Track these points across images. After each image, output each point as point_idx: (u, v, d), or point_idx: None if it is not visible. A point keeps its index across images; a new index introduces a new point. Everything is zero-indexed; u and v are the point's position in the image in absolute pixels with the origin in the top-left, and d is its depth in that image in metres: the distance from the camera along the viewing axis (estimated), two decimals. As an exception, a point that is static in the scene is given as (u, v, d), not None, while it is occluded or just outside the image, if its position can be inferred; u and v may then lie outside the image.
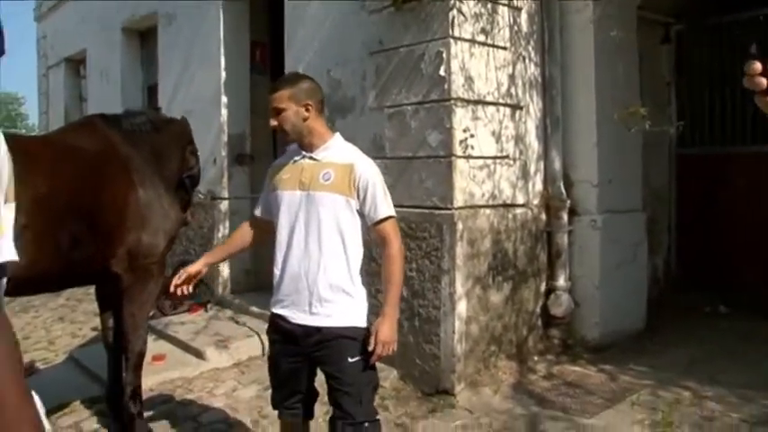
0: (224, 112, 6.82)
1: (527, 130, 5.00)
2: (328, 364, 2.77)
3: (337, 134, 2.90)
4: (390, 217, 2.76)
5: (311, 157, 2.82)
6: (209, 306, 6.64)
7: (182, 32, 7.42)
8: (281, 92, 2.77)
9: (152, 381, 4.87)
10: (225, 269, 6.85)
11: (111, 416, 4.06)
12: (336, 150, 2.82)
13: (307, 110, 2.76)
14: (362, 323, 2.79)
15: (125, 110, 4.40)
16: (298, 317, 2.80)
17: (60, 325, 7.04)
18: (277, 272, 2.89)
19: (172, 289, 3.09)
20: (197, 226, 7.14)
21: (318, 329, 2.75)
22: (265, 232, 3.07)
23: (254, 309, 6.15)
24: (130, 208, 3.77)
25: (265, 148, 7.11)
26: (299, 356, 2.84)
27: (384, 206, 2.74)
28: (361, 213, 2.75)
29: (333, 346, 2.74)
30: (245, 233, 3.16)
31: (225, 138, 6.85)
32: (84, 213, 3.53)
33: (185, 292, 3.12)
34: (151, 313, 6.75)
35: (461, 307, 4.36)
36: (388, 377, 4.52)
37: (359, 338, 2.74)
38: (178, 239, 7.39)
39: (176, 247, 7.51)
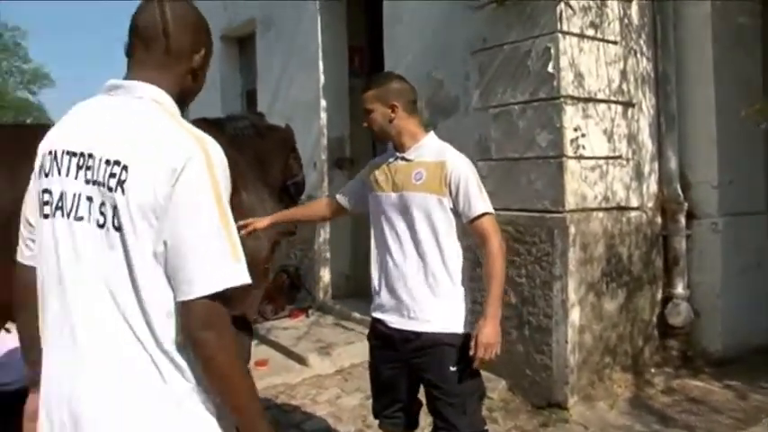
0: (323, 116, 6.80)
1: (640, 129, 4.72)
2: (429, 371, 2.65)
3: (431, 133, 2.79)
4: (487, 213, 2.61)
5: (403, 158, 2.74)
6: (310, 312, 6.63)
7: (280, 38, 7.46)
8: (368, 93, 2.72)
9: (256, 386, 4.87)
10: (326, 274, 6.83)
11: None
12: (428, 149, 2.71)
13: (393, 111, 2.68)
14: (464, 329, 2.64)
15: (227, 114, 4.40)
16: (396, 321, 2.71)
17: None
18: (375, 276, 2.83)
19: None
20: (298, 230, 7.16)
21: (417, 335, 2.64)
22: (337, 214, 3.19)
23: (356, 314, 6.09)
24: (235, 213, 3.74)
25: (365, 151, 7.04)
26: (397, 362, 2.74)
27: (479, 202, 2.60)
28: (456, 212, 2.62)
29: (433, 353, 2.62)
30: (321, 206, 3.34)
31: (324, 142, 6.83)
32: None
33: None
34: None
35: (574, 315, 4.14)
36: (496, 387, 4.34)
37: (461, 345, 2.59)
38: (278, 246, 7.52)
39: (278, 252, 7.60)
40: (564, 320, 4.12)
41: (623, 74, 4.55)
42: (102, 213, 1.34)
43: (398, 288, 2.69)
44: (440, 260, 2.64)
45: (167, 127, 1.39)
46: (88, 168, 1.37)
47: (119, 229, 1.32)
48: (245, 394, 1.36)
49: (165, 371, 1.35)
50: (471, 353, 2.51)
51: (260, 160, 4.05)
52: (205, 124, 4.28)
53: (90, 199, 1.36)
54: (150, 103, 1.42)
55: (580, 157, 4.22)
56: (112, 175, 1.33)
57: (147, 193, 1.30)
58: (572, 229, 4.13)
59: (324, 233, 6.83)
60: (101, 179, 1.35)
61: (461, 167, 2.62)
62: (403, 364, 2.72)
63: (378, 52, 5.89)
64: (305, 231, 7.03)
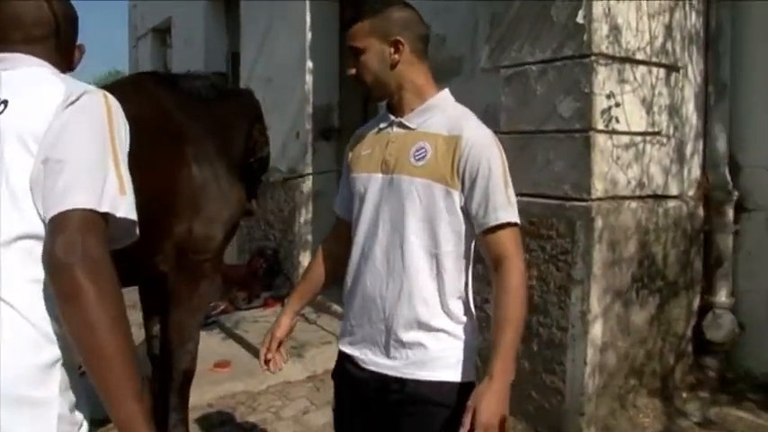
0: (308, 79, 5.95)
1: (684, 99, 3.85)
2: None
3: (445, 91, 1.89)
4: (510, 224, 1.72)
5: (401, 124, 1.84)
6: (286, 301, 5.83)
7: (266, -5, 6.60)
8: (359, 24, 1.82)
9: (212, 394, 4.19)
10: (306, 259, 5.97)
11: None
12: (440, 114, 1.82)
13: (396, 49, 1.79)
14: (467, 376, 1.78)
15: (186, 71, 3.61)
16: (370, 360, 1.85)
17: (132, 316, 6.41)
18: (346, 288, 1.94)
19: (262, 362, 2.10)
20: (277, 209, 6.36)
21: (400, 383, 1.78)
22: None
23: (336, 308, 5.26)
24: (180, 191, 2.95)
25: (357, 122, 6.19)
26: (371, 418, 1.87)
27: (503, 206, 1.71)
28: (467, 212, 1.75)
29: (420, 413, 1.76)
30: (324, 258, 2.13)
31: (309, 109, 5.99)
32: None
33: (280, 367, 2.10)
34: (222, 306, 6.14)
35: (596, 330, 3.31)
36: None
37: (456, 404, 1.70)
38: (255, 224, 6.72)
39: (255, 232, 6.80)
40: (583, 336, 3.29)
41: (668, 30, 3.66)
42: None
43: (374, 312, 1.83)
44: (435, 281, 1.77)
45: (62, 76, 1.38)
46: None
47: None
48: (114, 359, 1.11)
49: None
50: (463, 430, 1.57)
51: (219, 127, 3.27)
52: (152, 79, 3.47)
53: None
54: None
55: (612, 132, 3.36)
56: None
57: (30, 119, 1.23)
58: (599, 222, 3.29)
59: (305, 213, 6.01)
60: None
61: (485, 149, 1.74)
62: (378, 419, 1.86)
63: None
64: (284, 210, 6.23)
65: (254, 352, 4.75)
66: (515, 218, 1.73)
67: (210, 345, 4.86)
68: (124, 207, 1.25)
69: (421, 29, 1.87)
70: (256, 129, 3.66)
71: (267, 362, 2.07)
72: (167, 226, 2.93)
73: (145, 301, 3.42)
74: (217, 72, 3.97)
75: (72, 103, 1.26)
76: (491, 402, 1.57)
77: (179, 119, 3.09)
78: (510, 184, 1.74)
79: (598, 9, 3.27)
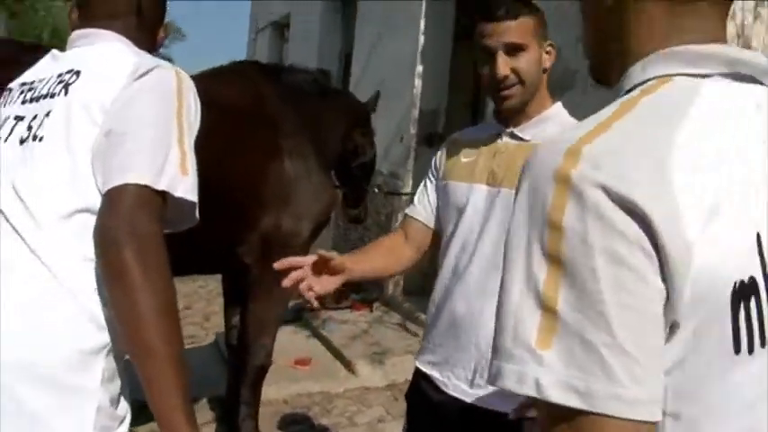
0: (417, 83, 5.87)
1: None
2: None
3: (558, 104, 1.76)
4: None
5: (513, 134, 1.69)
6: (375, 306, 5.76)
7: (383, -4, 6.55)
8: (522, 19, 1.62)
9: (289, 391, 4.18)
10: (398, 265, 5.91)
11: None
12: (556, 126, 1.66)
13: (549, 55, 1.71)
14: None
15: (289, 64, 3.61)
16: (454, 385, 1.68)
17: (221, 300, 6.49)
18: (433, 304, 1.79)
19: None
20: (374, 212, 6.29)
21: (484, 414, 1.62)
22: (422, 250, 1.89)
23: (423, 317, 5.14)
24: (270, 182, 2.92)
25: (463, 128, 6.06)
26: None
27: None
28: None
29: None
30: (394, 248, 1.91)
31: (416, 113, 5.91)
32: (208, 182, 2.72)
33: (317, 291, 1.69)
34: (315, 304, 6.10)
35: None
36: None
37: None
38: (353, 226, 6.67)
39: (351, 233, 6.75)
40: None
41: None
42: (29, 128, 1.22)
43: (465, 336, 1.66)
44: None
45: (136, 50, 1.33)
46: (30, 90, 1.30)
47: (40, 139, 1.19)
48: (157, 347, 1.04)
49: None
50: None
51: (317, 123, 3.23)
52: (256, 67, 3.46)
53: (19, 118, 1.26)
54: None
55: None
56: (60, 83, 1.24)
57: (98, 89, 1.20)
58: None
59: (401, 215, 5.90)
60: (43, 93, 1.25)
61: None
62: None
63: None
64: (381, 214, 6.15)
65: (335, 354, 4.72)
66: None
67: (294, 341, 4.85)
68: (183, 186, 1.17)
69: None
70: (358, 132, 3.60)
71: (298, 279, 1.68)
72: (254, 217, 2.91)
73: (227, 290, 3.43)
74: (322, 69, 3.92)
75: (141, 75, 1.21)
76: None
77: (277, 110, 3.06)
78: None
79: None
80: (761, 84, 0.75)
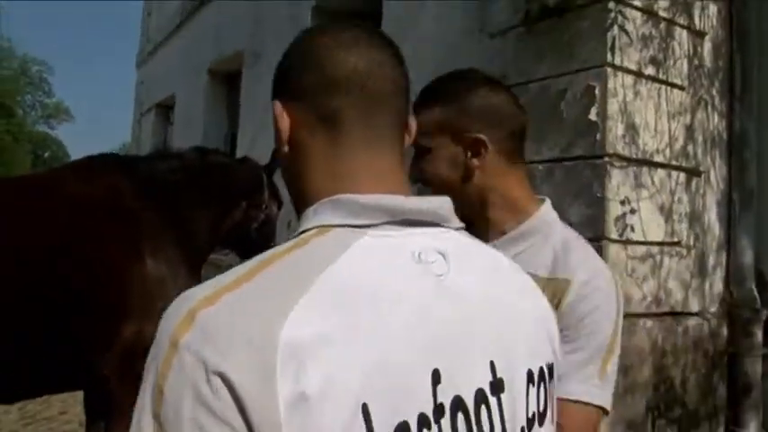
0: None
1: (706, 207, 3.50)
2: None
3: (546, 204, 1.40)
4: (598, 408, 1.23)
5: None
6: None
7: (267, 72, 6.41)
8: (426, 113, 1.31)
9: None
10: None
11: None
12: (541, 243, 1.33)
13: (475, 151, 1.30)
14: None
15: (155, 150, 3.33)
16: None
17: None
18: None
19: None
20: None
21: None
22: None
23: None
24: (132, 287, 2.62)
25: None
26: None
27: (593, 379, 1.22)
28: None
29: None
30: None
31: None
32: (60, 290, 2.44)
33: None
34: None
35: (607, 470, 2.87)
36: None
37: None
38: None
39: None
40: (592, 476, 2.84)
41: (689, 131, 3.35)
42: None
43: None
44: None
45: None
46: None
47: None
48: None
49: None
50: None
51: (183, 215, 2.95)
52: (108, 163, 3.10)
53: None
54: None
55: (627, 242, 3.00)
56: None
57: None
58: (611, 344, 2.89)
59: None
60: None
61: (602, 302, 1.27)
62: None
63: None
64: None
65: None
66: (607, 402, 1.25)
67: None
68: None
69: (514, 121, 1.35)
70: (242, 205, 3.35)
71: None
72: (116, 326, 2.59)
73: (89, 405, 3.03)
74: (199, 147, 3.60)
75: None
76: None
77: (137, 207, 2.77)
78: (616, 351, 1.26)
79: (614, 105, 2.97)
80: (438, 226, 0.78)
